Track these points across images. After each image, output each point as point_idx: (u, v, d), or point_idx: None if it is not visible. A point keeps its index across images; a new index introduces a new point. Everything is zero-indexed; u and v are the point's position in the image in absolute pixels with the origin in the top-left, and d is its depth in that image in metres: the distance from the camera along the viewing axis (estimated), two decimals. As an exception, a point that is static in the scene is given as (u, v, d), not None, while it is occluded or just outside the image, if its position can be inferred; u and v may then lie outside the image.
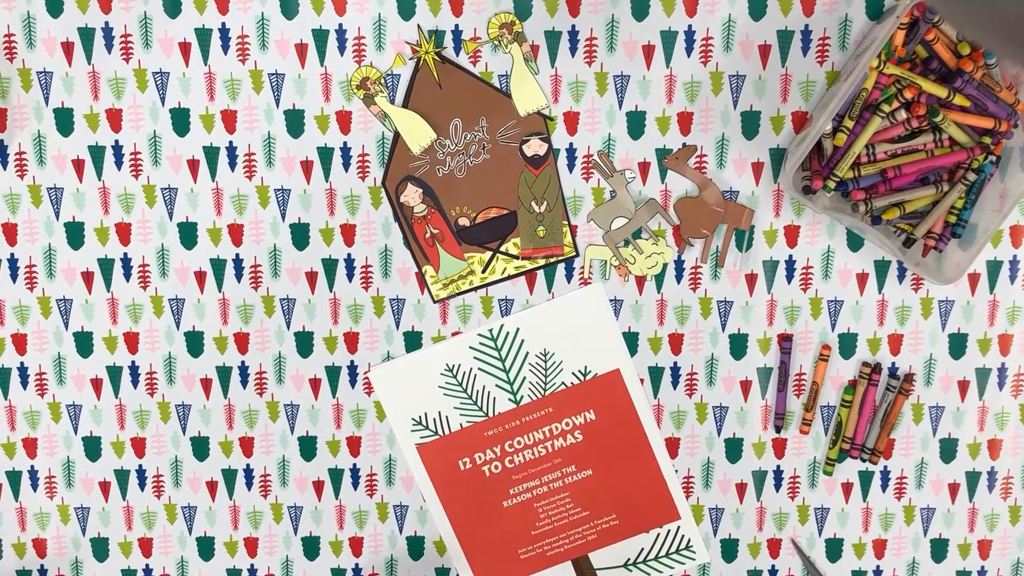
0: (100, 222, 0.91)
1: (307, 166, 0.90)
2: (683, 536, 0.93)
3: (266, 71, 0.89)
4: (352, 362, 0.92)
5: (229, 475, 0.94)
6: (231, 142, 0.90)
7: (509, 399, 0.92)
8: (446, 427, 0.92)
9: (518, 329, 0.91)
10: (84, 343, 0.92)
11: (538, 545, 0.93)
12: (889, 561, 0.95)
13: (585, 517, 0.93)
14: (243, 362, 0.93)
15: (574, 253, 0.91)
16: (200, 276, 0.91)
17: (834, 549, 0.94)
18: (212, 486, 0.94)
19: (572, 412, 0.92)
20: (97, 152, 0.90)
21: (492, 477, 0.92)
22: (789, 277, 0.91)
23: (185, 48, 0.89)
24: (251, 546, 0.95)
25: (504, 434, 0.92)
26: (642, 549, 0.93)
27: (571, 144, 0.90)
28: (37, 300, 0.92)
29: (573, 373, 0.91)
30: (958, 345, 0.92)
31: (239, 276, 0.91)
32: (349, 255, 0.91)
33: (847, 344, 0.92)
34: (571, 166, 0.90)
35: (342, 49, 0.89)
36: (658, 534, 0.93)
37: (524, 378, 0.91)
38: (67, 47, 0.89)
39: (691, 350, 0.92)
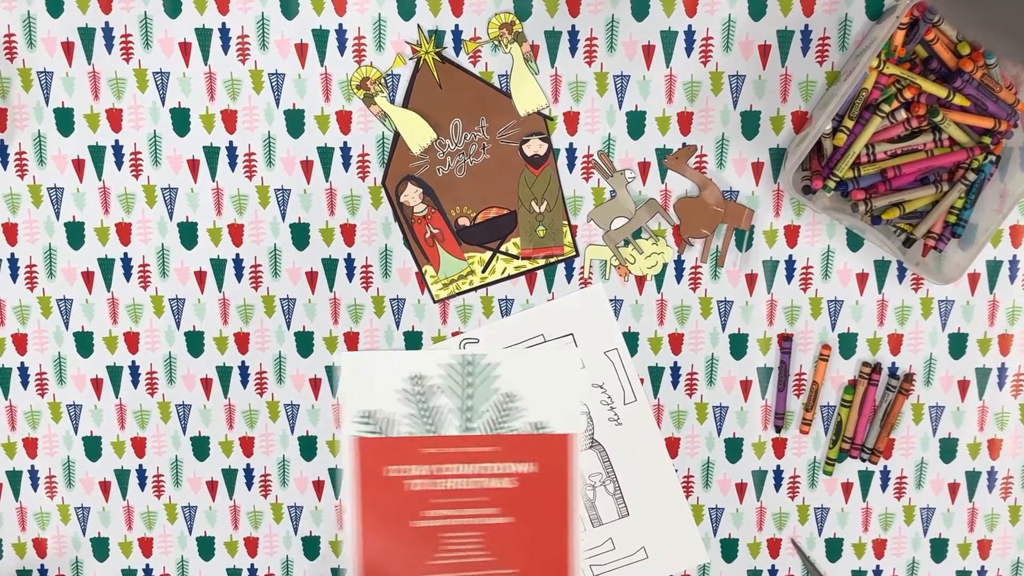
0: (100, 222, 0.91)
1: (307, 166, 0.90)
2: None
3: (266, 71, 0.89)
4: (352, 362, 0.92)
5: (229, 475, 0.94)
6: (231, 142, 0.90)
7: (459, 425, 0.91)
8: (390, 429, 0.91)
9: (496, 363, 0.91)
10: (84, 343, 0.92)
11: None
12: (889, 561, 0.95)
13: (487, 563, 0.92)
14: (243, 362, 0.93)
15: (574, 253, 0.91)
16: (200, 276, 0.92)
17: (834, 549, 0.94)
18: (212, 486, 0.94)
19: (516, 459, 0.91)
20: (97, 152, 0.90)
21: (412, 493, 0.91)
22: (789, 277, 0.91)
23: (185, 48, 0.89)
24: (251, 546, 0.95)
25: (441, 456, 0.91)
26: None
27: (571, 144, 0.90)
28: (37, 300, 0.92)
29: (529, 423, 0.91)
30: (958, 345, 0.92)
31: (239, 276, 0.92)
32: (349, 255, 0.91)
33: (847, 344, 0.92)
34: (571, 166, 0.90)
35: (342, 49, 0.89)
36: None
37: (482, 411, 0.91)
38: (67, 47, 0.89)
39: (691, 350, 0.92)
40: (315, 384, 0.93)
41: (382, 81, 0.89)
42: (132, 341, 0.92)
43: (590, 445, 0.93)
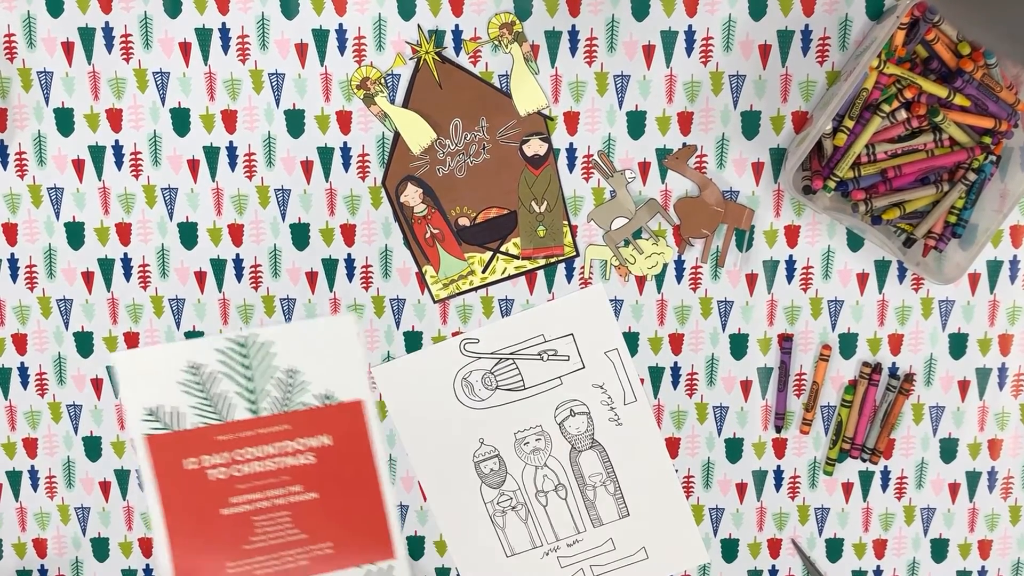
0: (100, 222, 0.91)
1: (307, 166, 0.90)
2: None
3: (266, 71, 0.89)
4: (352, 362, 0.92)
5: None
6: (231, 142, 0.90)
7: (248, 408, 0.91)
8: (179, 423, 0.91)
9: (270, 342, 0.91)
10: (84, 343, 0.92)
11: (249, 561, 0.92)
12: (889, 561, 0.95)
13: (301, 540, 0.92)
14: (243, 362, 0.93)
15: (574, 253, 0.91)
16: (200, 276, 0.91)
17: (834, 549, 0.94)
18: (212, 486, 0.94)
19: (309, 433, 0.91)
20: (97, 152, 0.90)
21: (215, 482, 0.91)
22: (789, 277, 0.91)
23: (185, 48, 0.89)
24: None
25: (236, 442, 0.91)
26: None
27: (571, 144, 0.90)
28: (37, 300, 0.92)
29: (316, 396, 0.91)
30: (958, 345, 0.92)
31: (239, 276, 0.91)
32: (349, 255, 0.91)
33: (847, 344, 0.92)
34: (571, 166, 0.90)
35: (342, 49, 0.89)
36: (369, 570, 0.93)
37: (267, 391, 0.91)
38: (67, 47, 0.89)
39: (691, 350, 0.92)
40: (315, 384, 0.93)
41: (382, 81, 0.89)
42: (132, 341, 0.92)
43: (590, 445, 0.93)
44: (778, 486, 0.94)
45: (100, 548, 0.95)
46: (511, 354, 0.92)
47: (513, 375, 0.92)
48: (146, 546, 0.95)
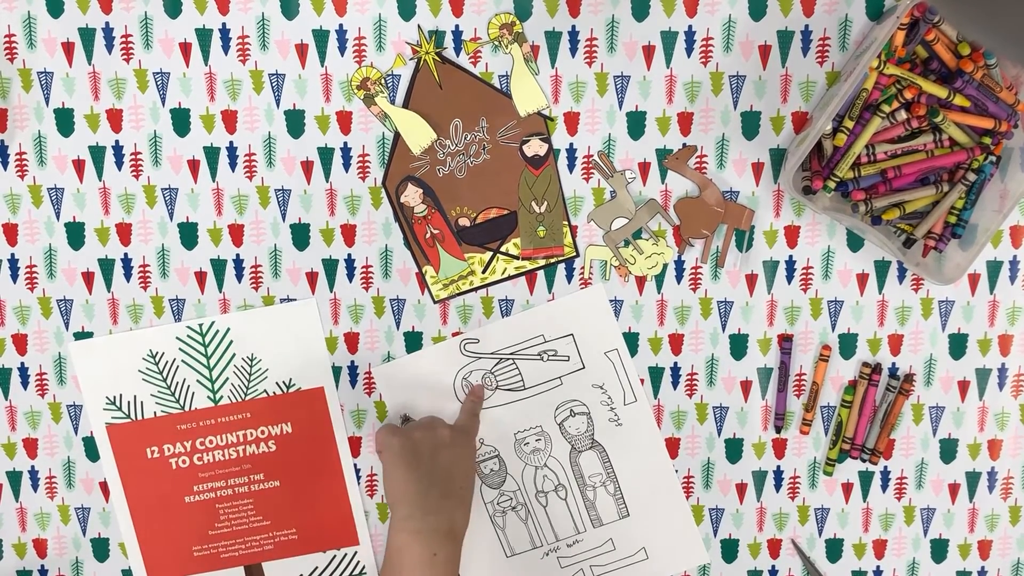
0: (100, 222, 0.91)
1: (307, 166, 0.90)
2: (359, 563, 0.93)
3: (266, 71, 0.89)
4: (352, 362, 0.92)
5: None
6: (231, 142, 0.90)
7: (208, 396, 0.91)
8: (139, 412, 0.91)
9: (228, 329, 0.91)
10: (84, 343, 0.92)
11: (214, 545, 0.93)
12: (889, 561, 0.95)
13: (265, 526, 0.93)
14: (243, 362, 0.93)
15: (574, 253, 0.91)
16: (200, 276, 0.92)
17: (834, 549, 0.94)
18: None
19: (270, 421, 0.92)
20: (97, 152, 0.90)
21: (178, 471, 0.92)
22: (789, 277, 0.91)
23: (185, 48, 0.89)
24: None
25: (197, 430, 0.91)
26: (316, 568, 0.93)
27: (571, 144, 0.90)
28: (37, 300, 0.92)
29: (277, 383, 0.91)
30: (958, 345, 0.92)
31: (240, 277, 0.92)
32: (349, 255, 0.91)
33: (847, 344, 0.92)
34: (571, 166, 0.90)
35: (342, 49, 0.89)
36: (334, 555, 0.93)
37: (226, 379, 0.91)
38: (67, 47, 0.89)
39: (691, 350, 0.92)
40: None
41: (382, 81, 0.89)
42: (132, 341, 0.92)
43: (590, 446, 0.93)
44: (778, 486, 0.94)
45: (100, 548, 0.95)
46: (511, 354, 0.92)
47: (513, 375, 0.92)
48: (146, 546, 0.95)
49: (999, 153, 0.87)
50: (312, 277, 0.92)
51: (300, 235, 0.91)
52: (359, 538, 0.93)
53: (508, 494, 0.93)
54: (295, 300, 0.91)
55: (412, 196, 0.91)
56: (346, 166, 0.90)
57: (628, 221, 0.90)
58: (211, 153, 0.90)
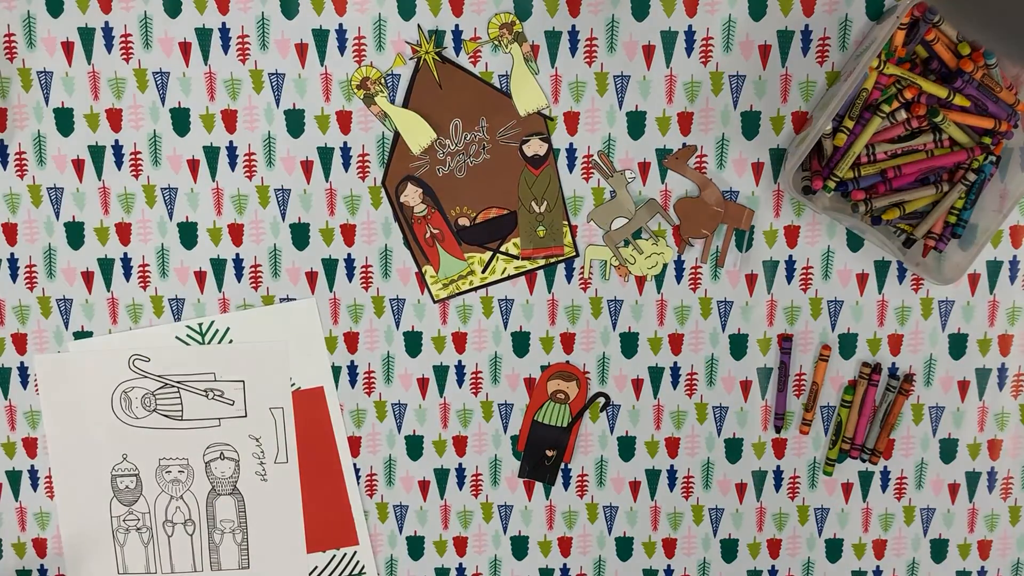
0: (100, 222, 0.91)
1: (307, 166, 0.90)
2: (358, 563, 0.93)
3: (266, 71, 0.89)
4: (352, 362, 0.92)
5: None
6: (231, 142, 0.90)
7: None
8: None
9: (228, 328, 0.91)
10: (84, 343, 0.92)
11: None
12: (889, 561, 0.95)
13: None
14: (243, 362, 0.93)
15: (574, 253, 0.91)
16: (200, 276, 0.91)
17: (834, 549, 0.94)
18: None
19: None
20: (97, 152, 0.90)
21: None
22: (789, 277, 0.91)
23: (185, 48, 0.89)
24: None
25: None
26: (316, 568, 0.93)
27: (571, 144, 0.90)
28: (37, 300, 0.92)
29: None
30: (958, 345, 0.92)
31: (239, 276, 0.91)
32: (349, 255, 0.91)
33: (847, 344, 0.92)
34: (571, 166, 0.90)
35: (342, 49, 0.89)
36: (334, 555, 0.93)
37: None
38: (67, 47, 0.89)
39: (691, 350, 0.92)
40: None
41: (382, 81, 0.89)
42: (132, 341, 0.92)
43: (231, 492, 0.92)
44: (778, 486, 0.94)
45: (100, 548, 0.95)
46: (178, 382, 0.91)
47: (174, 403, 0.91)
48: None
49: (999, 153, 0.87)
50: (312, 277, 0.92)
51: (300, 235, 0.91)
52: (359, 538, 0.93)
53: (137, 515, 0.93)
54: (295, 300, 0.91)
55: (412, 196, 0.90)
56: (346, 166, 0.90)
57: (628, 221, 0.90)
58: (211, 153, 0.90)
